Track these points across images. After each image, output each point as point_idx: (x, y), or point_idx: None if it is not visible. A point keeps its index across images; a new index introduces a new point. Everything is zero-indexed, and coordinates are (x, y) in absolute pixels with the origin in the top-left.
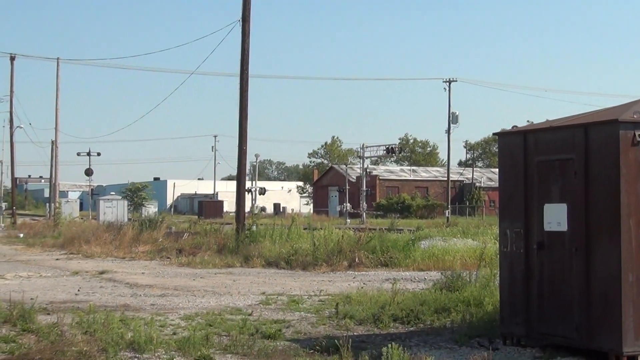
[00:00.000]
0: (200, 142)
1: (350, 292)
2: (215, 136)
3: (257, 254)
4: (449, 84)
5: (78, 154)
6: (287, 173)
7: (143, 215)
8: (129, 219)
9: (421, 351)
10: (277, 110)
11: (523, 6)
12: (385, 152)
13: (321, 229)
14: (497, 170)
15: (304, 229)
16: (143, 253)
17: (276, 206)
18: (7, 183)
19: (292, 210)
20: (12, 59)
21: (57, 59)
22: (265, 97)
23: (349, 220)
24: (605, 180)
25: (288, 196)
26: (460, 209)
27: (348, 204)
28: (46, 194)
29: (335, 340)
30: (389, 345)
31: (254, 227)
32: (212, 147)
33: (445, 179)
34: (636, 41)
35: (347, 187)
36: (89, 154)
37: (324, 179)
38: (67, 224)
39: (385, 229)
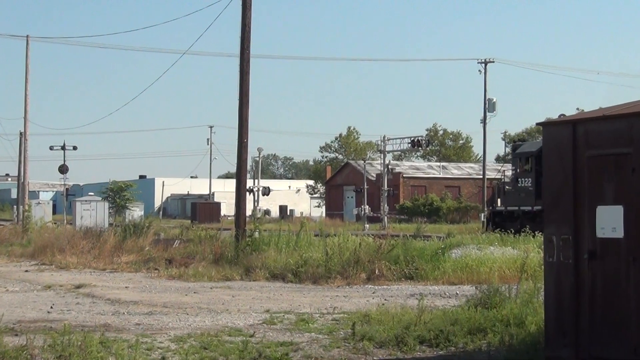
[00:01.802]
0: (194, 134)
1: (369, 309)
2: (211, 127)
3: (260, 264)
4: (485, 65)
5: (51, 148)
6: (295, 170)
7: (127, 220)
8: (111, 224)
9: None
10: (283, 97)
11: None
12: (410, 145)
13: (335, 235)
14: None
15: (315, 235)
16: (127, 264)
17: (282, 209)
18: None
19: (301, 213)
20: None
21: (27, 37)
22: (269, 81)
23: (367, 226)
24: None
25: (296, 197)
26: None
27: (366, 207)
28: (14, 194)
29: None
30: None
31: (257, 234)
32: (208, 139)
33: (481, 176)
34: None
35: (366, 186)
36: (63, 147)
37: (339, 177)
38: (37, 230)
39: (410, 235)
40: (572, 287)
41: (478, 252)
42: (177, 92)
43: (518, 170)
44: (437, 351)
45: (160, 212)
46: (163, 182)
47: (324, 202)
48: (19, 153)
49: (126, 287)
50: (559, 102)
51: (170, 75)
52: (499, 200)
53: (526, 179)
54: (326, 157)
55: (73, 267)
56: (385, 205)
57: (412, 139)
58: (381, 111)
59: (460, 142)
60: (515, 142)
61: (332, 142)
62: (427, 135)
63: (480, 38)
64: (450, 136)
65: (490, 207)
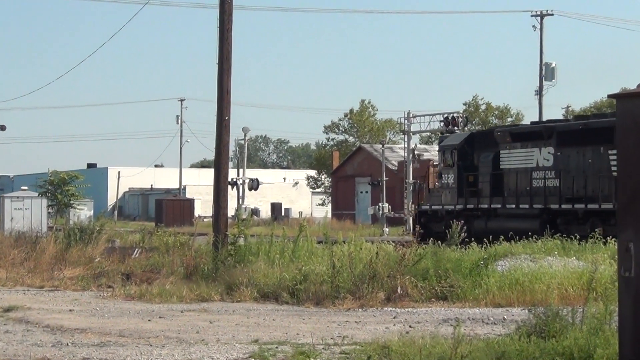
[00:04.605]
0: (159, 110)
1: (389, 339)
2: (181, 101)
3: (246, 281)
4: (541, 19)
5: None
6: (291, 157)
7: (71, 222)
8: (50, 228)
9: None
10: (276, 61)
11: None
12: (442, 124)
13: (344, 242)
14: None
15: (318, 242)
16: (71, 280)
17: (275, 207)
18: None
19: (300, 213)
20: None
21: None
22: (259, 41)
23: (387, 229)
24: None
25: (293, 192)
26: None
27: (385, 204)
28: None
29: None
30: None
31: (242, 240)
32: (177, 117)
33: None
34: None
35: (385, 177)
36: None
37: (349, 165)
38: None
39: (442, 242)
40: None
41: (532, 264)
42: (137, 56)
43: (442, 165)
44: None
45: (116, 212)
46: (119, 172)
47: (330, 198)
48: None
49: (70, 310)
50: (638, 68)
51: (127, 33)
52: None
53: (449, 175)
54: (333, 139)
55: (1, 285)
56: (410, 202)
57: (445, 115)
58: (405, 80)
59: (509, 119)
60: (442, 133)
61: (340, 120)
62: (465, 111)
63: None
64: (496, 112)
65: (416, 207)
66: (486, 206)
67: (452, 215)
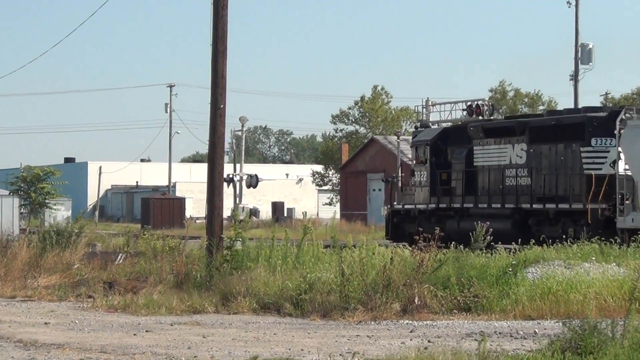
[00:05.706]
0: (145, 98)
1: (406, 355)
2: (170, 87)
3: (243, 290)
4: None
5: None
6: (295, 150)
7: (47, 224)
8: (23, 230)
9: None
10: (277, 43)
11: None
12: (465, 113)
13: (355, 246)
14: None
15: (325, 246)
16: (47, 289)
17: (277, 207)
18: None
19: (305, 213)
20: None
21: None
22: (258, 19)
23: None
24: None
25: (297, 190)
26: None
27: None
28: None
29: None
30: None
31: (239, 244)
32: (166, 105)
33: None
34: None
35: (400, 173)
36: None
37: (359, 159)
38: None
39: (465, 246)
40: None
41: (566, 271)
42: (120, 36)
43: (415, 161)
44: None
45: (97, 212)
46: (100, 167)
47: (339, 196)
48: None
49: (46, 323)
50: None
51: (109, 11)
52: (397, 196)
53: (422, 172)
54: (341, 130)
55: None
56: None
57: (468, 103)
58: (422, 64)
59: (540, 107)
60: (416, 127)
61: (349, 108)
62: (490, 98)
63: None
64: (525, 99)
65: (389, 206)
66: (459, 205)
67: (425, 215)
